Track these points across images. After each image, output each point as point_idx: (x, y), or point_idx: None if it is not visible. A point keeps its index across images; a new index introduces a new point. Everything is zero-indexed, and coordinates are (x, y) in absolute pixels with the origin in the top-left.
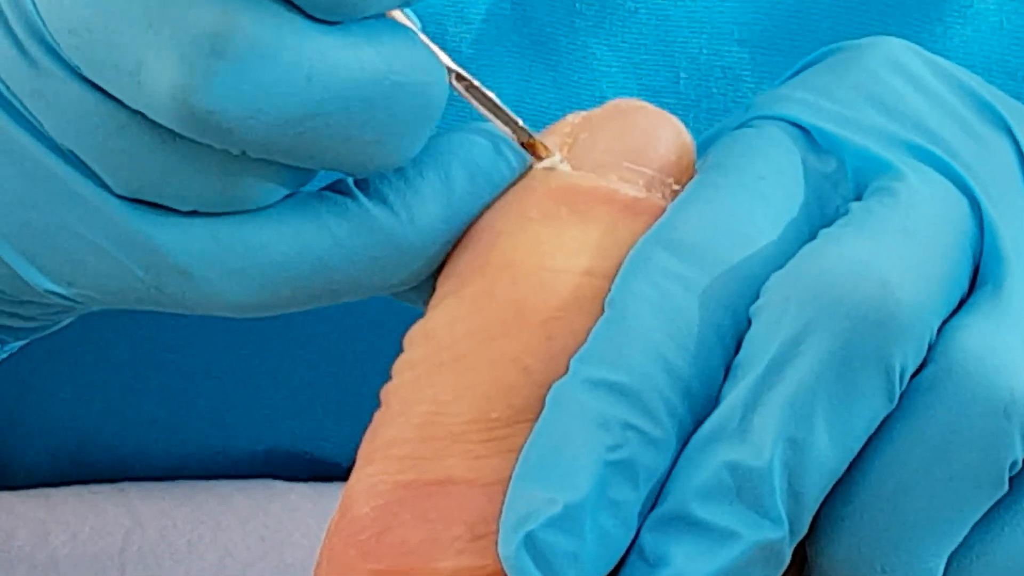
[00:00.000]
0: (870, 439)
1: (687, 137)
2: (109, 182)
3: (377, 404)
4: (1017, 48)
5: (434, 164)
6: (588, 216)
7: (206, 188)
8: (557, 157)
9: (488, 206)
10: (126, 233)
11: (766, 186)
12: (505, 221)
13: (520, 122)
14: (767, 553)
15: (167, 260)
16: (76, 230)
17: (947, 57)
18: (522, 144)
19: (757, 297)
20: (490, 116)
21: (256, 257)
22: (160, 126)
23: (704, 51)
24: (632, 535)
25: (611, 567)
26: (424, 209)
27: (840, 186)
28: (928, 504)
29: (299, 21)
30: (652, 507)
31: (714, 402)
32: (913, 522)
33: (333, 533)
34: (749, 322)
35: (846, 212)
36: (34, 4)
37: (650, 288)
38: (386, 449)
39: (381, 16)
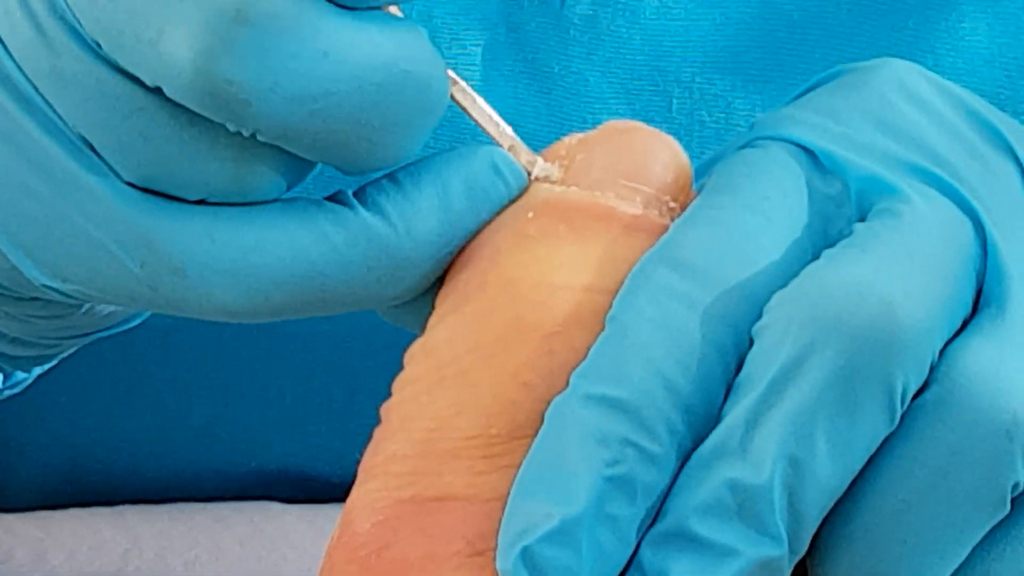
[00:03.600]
0: (872, 459)
1: (683, 157)
2: (120, 167)
3: (365, 423)
4: (1008, 81)
5: (432, 179)
6: (586, 234)
7: (218, 173)
8: (541, 164)
9: (486, 224)
10: (126, 225)
11: (770, 207)
12: (504, 239)
13: (504, 127)
14: (766, 571)
15: (163, 255)
16: (75, 222)
17: None
18: (506, 148)
19: (759, 316)
20: (478, 121)
21: (251, 258)
22: (177, 107)
23: (697, 79)
24: (630, 552)
25: None
26: (421, 222)
27: (844, 208)
28: (929, 525)
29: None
30: (651, 524)
31: (714, 420)
32: (914, 542)
33: (334, 549)
34: (751, 341)
35: (850, 233)
36: None
37: (651, 305)
38: (386, 465)
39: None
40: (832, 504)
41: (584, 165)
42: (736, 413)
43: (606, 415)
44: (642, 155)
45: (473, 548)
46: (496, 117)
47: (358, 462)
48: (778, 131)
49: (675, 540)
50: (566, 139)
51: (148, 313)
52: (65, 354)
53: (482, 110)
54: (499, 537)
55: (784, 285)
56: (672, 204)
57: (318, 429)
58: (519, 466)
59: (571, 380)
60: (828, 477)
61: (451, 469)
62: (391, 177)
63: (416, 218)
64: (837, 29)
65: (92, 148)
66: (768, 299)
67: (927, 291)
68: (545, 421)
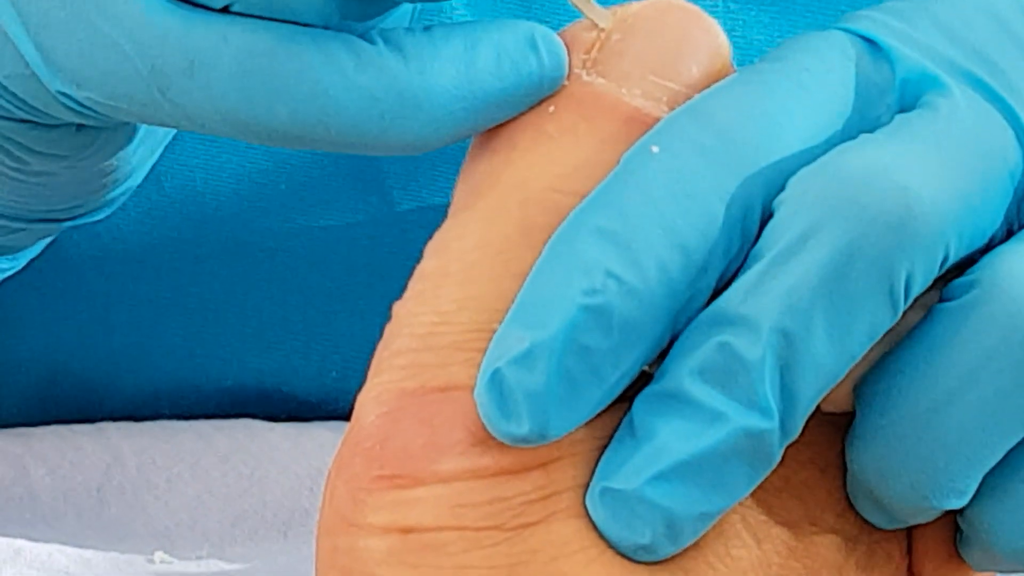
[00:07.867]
0: (902, 355)
1: (723, 45)
2: None
3: (343, 343)
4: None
5: (464, 34)
6: (605, 135)
7: None
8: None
9: (514, 106)
10: (142, 24)
11: (809, 78)
12: (522, 134)
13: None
14: (754, 443)
15: (174, 53)
16: (95, 23)
17: None
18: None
19: (783, 188)
20: None
21: (257, 62)
22: None
23: None
24: (605, 390)
25: (579, 418)
26: (437, 66)
27: (887, 96)
28: (959, 427)
29: None
30: (644, 383)
31: (723, 279)
32: (943, 444)
33: (343, 443)
34: (772, 213)
35: (888, 122)
36: None
37: (665, 150)
38: (392, 358)
39: None
40: (829, 388)
41: (617, 50)
42: (740, 281)
43: (597, 245)
44: (676, 47)
45: (474, 436)
46: None
47: (336, 381)
48: (843, 23)
49: (668, 400)
50: (609, 11)
51: (109, 210)
52: (28, 253)
53: None
54: (482, 362)
55: (811, 160)
56: None
57: (295, 348)
58: None
59: (573, 212)
60: (823, 358)
61: (453, 360)
62: (426, 27)
63: (432, 60)
64: None
65: None
66: (792, 172)
67: (948, 184)
68: (544, 250)
